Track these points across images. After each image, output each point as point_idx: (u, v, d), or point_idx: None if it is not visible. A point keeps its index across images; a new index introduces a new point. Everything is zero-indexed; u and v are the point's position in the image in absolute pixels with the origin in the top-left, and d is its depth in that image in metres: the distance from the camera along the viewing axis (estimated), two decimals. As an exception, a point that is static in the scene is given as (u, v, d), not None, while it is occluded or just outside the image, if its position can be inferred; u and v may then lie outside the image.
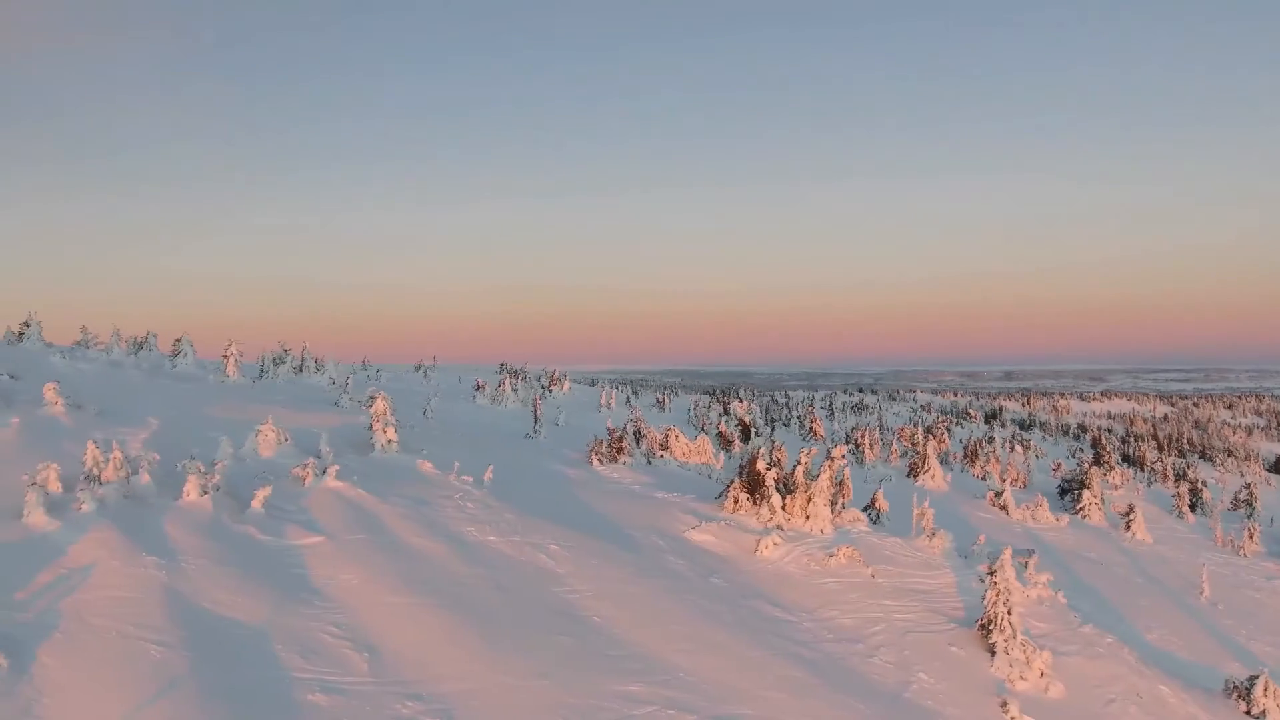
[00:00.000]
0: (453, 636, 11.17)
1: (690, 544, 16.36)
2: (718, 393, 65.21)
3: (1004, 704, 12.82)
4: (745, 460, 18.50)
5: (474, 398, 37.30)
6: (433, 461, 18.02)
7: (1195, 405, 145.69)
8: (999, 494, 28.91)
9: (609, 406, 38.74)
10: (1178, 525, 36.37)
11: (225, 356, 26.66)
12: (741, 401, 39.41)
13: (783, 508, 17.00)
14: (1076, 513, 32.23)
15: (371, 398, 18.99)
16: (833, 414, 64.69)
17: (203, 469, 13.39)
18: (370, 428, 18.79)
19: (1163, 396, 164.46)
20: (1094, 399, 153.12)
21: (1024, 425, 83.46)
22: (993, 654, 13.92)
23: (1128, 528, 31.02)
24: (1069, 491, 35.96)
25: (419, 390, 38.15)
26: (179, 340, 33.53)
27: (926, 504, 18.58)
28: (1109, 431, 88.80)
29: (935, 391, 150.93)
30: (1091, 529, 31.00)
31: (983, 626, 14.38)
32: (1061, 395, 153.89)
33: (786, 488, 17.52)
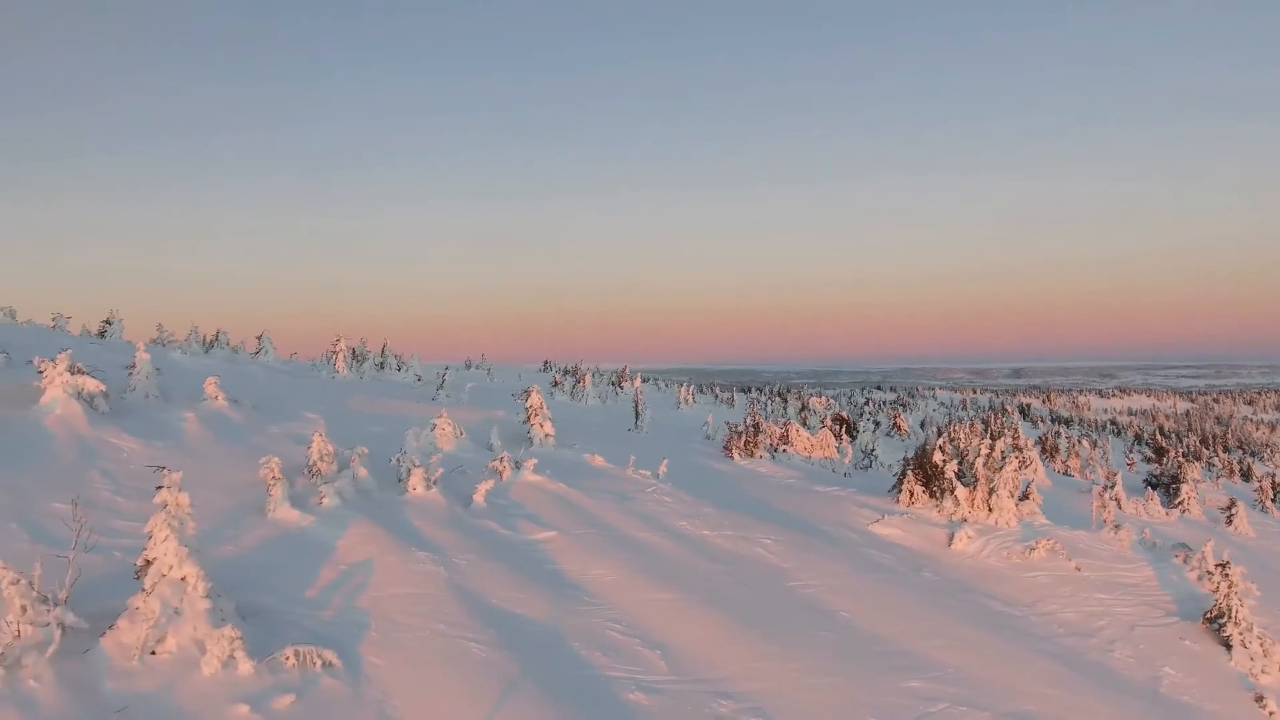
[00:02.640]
0: (727, 633, 10.72)
1: (879, 538, 15.92)
2: (777, 389, 64.83)
3: (1259, 698, 12.39)
4: (914, 453, 18.06)
5: (551, 394, 36.83)
6: (566, 453, 17.58)
7: (1215, 401, 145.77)
8: (1109, 488, 28.49)
9: (687, 403, 38.27)
10: (1266, 519, 35.99)
11: (334, 353, 26.24)
12: (819, 397, 39.02)
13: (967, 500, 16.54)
14: (1175, 506, 31.82)
15: (526, 393, 18.51)
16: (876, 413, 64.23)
17: (417, 462, 12.92)
18: (526, 421, 18.32)
19: (1181, 393, 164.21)
20: (1112, 395, 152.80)
21: (1059, 421, 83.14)
22: (1228, 648, 13.47)
23: (1229, 522, 30.58)
24: (1156, 486, 35.60)
25: (491, 387, 37.70)
26: (260, 337, 33.22)
27: (1106, 496, 18.15)
28: (1139, 426, 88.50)
29: (953, 389, 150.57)
30: (1195, 523, 30.56)
31: (1210, 619, 13.94)
32: (1080, 392, 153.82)
33: (963, 480, 17.08)
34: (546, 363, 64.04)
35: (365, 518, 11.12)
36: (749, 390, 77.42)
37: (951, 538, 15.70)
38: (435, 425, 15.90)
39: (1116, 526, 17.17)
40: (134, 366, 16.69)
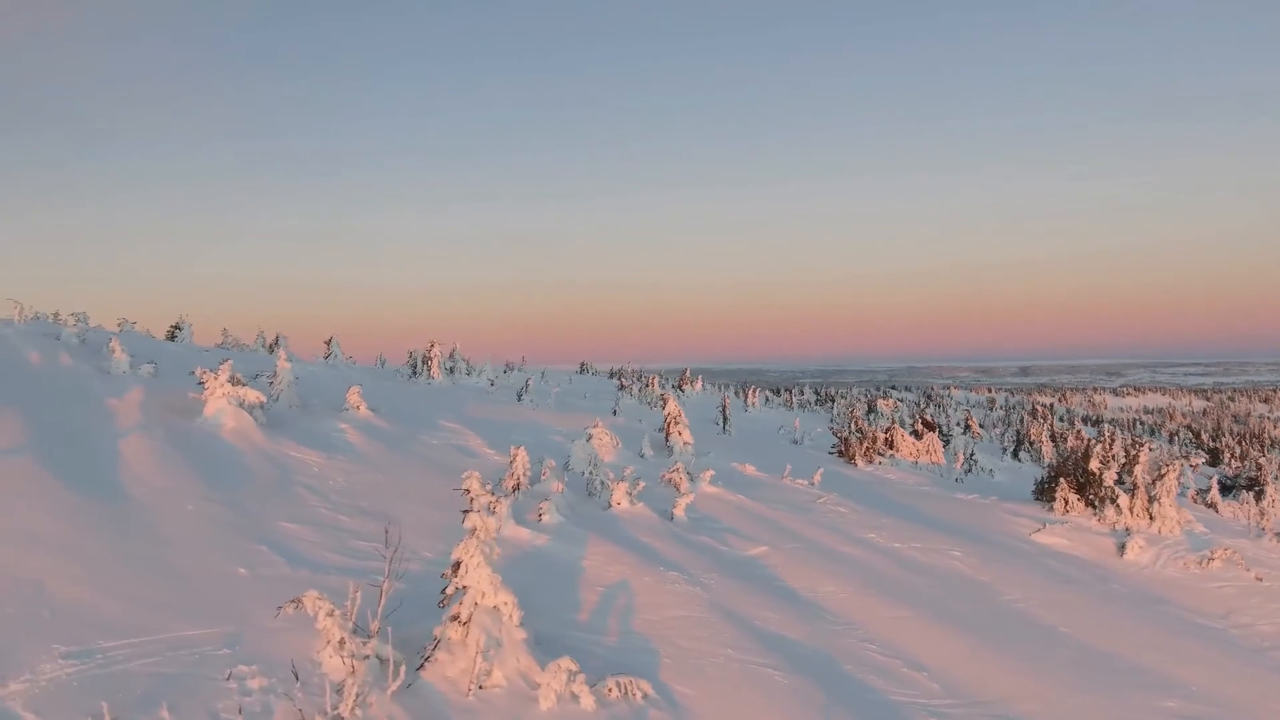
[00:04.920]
0: (971, 651, 10.35)
1: (1046, 547, 15.59)
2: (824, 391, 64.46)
3: None
4: (1061, 458, 17.72)
5: (618, 398, 36.48)
6: (712, 462, 17.24)
7: (1230, 399, 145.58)
8: (1203, 491, 28.16)
9: (753, 405, 37.95)
10: (1342, 520, 35.75)
11: (429, 358, 25.84)
12: (887, 400, 38.77)
13: (1129, 509, 16.20)
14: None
15: (663, 399, 18.16)
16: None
17: (612, 476, 12.57)
18: (662, 429, 17.97)
19: (1195, 391, 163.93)
20: (1127, 394, 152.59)
21: (1088, 422, 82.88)
22: None
23: (1317, 524, 30.29)
24: (1230, 489, 35.32)
25: (553, 392, 37.38)
26: (329, 341, 32.90)
27: (1267, 502, 17.80)
28: (1170, 427, 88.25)
29: (969, 388, 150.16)
30: (1284, 525, 30.32)
31: None
32: (1095, 390, 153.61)
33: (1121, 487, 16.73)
34: (583, 364, 63.50)
35: (597, 535, 10.75)
36: (779, 391, 76.96)
37: (1122, 547, 15.36)
38: (592, 435, 15.52)
39: (1277, 534, 16.84)
40: (275, 376, 16.33)
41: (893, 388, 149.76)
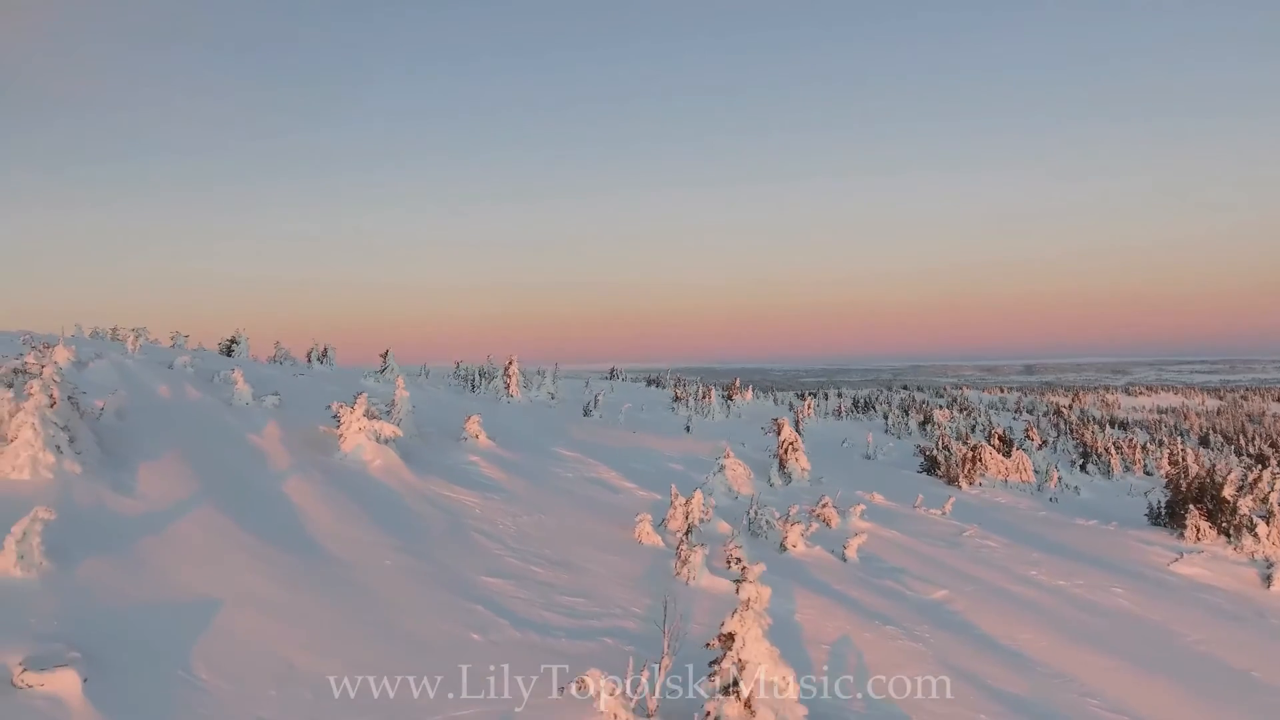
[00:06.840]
0: (1187, 703, 9.98)
1: (1188, 579, 15.28)
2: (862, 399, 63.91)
3: None
4: (1186, 481, 17.39)
5: (674, 409, 36.15)
6: (822, 486, 16.92)
7: (1243, 399, 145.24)
8: None
9: (809, 415, 37.63)
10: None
11: (508, 375, 25.50)
12: (944, 410, 38.43)
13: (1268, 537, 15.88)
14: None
15: (777, 425, 17.82)
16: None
17: (778, 515, 12.22)
18: (776, 454, 17.63)
19: (1207, 390, 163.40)
20: (1140, 393, 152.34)
21: (1116, 425, 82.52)
22: None
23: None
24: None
25: (624, 408, 37.01)
26: (385, 355, 32.45)
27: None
28: (1199, 428, 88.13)
29: (981, 389, 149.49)
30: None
31: None
32: (1108, 390, 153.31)
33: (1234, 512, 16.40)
34: (613, 369, 62.98)
35: (797, 584, 10.41)
36: (811, 395, 76.46)
37: (1268, 579, 15.04)
38: (725, 466, 15.16)
39: None
40: (394, 405, 15.96)
41: (905, 387, 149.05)
